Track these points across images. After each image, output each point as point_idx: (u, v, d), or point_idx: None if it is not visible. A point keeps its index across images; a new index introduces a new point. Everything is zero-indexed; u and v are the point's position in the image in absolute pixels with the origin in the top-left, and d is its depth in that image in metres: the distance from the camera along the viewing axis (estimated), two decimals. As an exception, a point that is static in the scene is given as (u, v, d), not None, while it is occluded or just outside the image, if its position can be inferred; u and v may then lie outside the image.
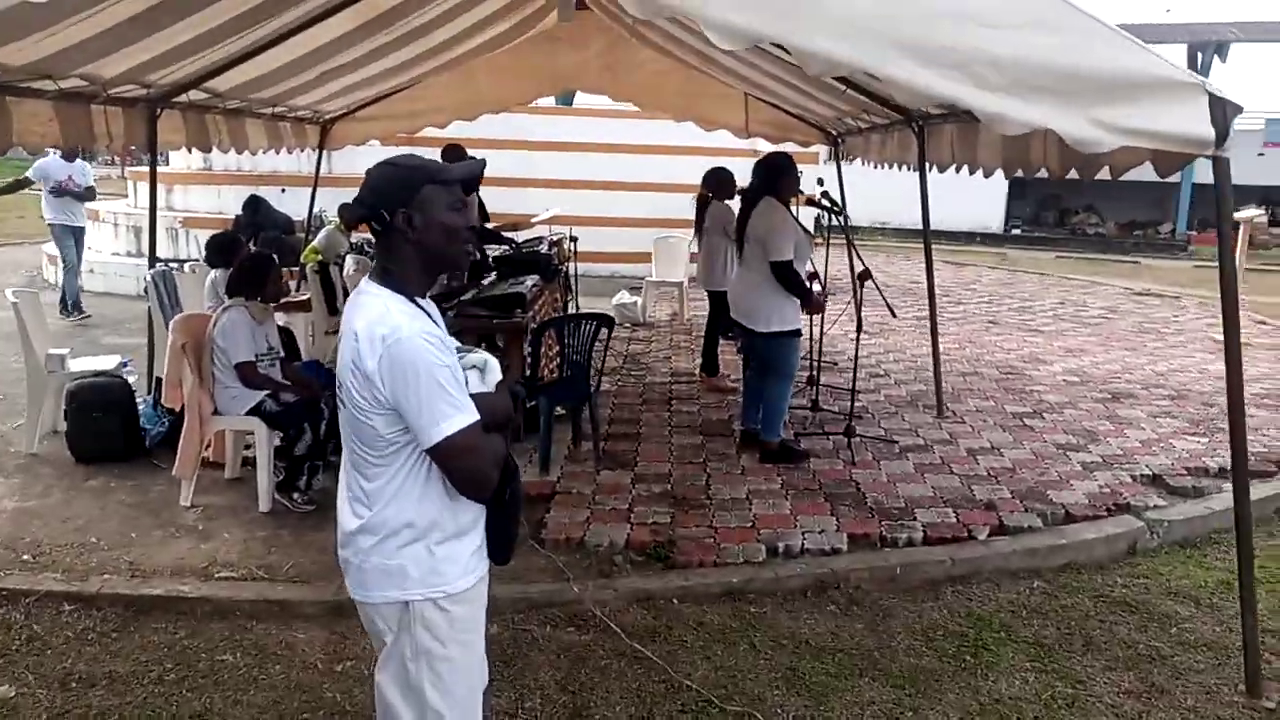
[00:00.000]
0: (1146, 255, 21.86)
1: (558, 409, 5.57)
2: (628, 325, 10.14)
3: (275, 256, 5.00)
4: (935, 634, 3.89)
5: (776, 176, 5.56)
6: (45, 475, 5.31)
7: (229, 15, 4.97)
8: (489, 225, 8.78)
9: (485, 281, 6.81)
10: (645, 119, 12.94)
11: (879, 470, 5.60)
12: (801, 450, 5.75)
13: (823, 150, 13.43)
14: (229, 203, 11.96)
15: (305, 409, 4.78)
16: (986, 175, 5.52)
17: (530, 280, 6.50)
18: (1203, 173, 4.29)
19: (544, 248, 8.14)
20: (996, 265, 18.20)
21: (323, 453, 4.87)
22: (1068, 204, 26.48)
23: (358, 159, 13.21)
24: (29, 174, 10.14)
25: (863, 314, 5.92)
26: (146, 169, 14.65)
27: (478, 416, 2.12)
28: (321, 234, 9.04)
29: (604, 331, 5.42)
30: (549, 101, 13.47)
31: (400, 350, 2.05)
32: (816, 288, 6.55)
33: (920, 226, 7.30)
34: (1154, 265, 19.87)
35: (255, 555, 4.35)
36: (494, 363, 2.35)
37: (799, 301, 5.54)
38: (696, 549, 4.44)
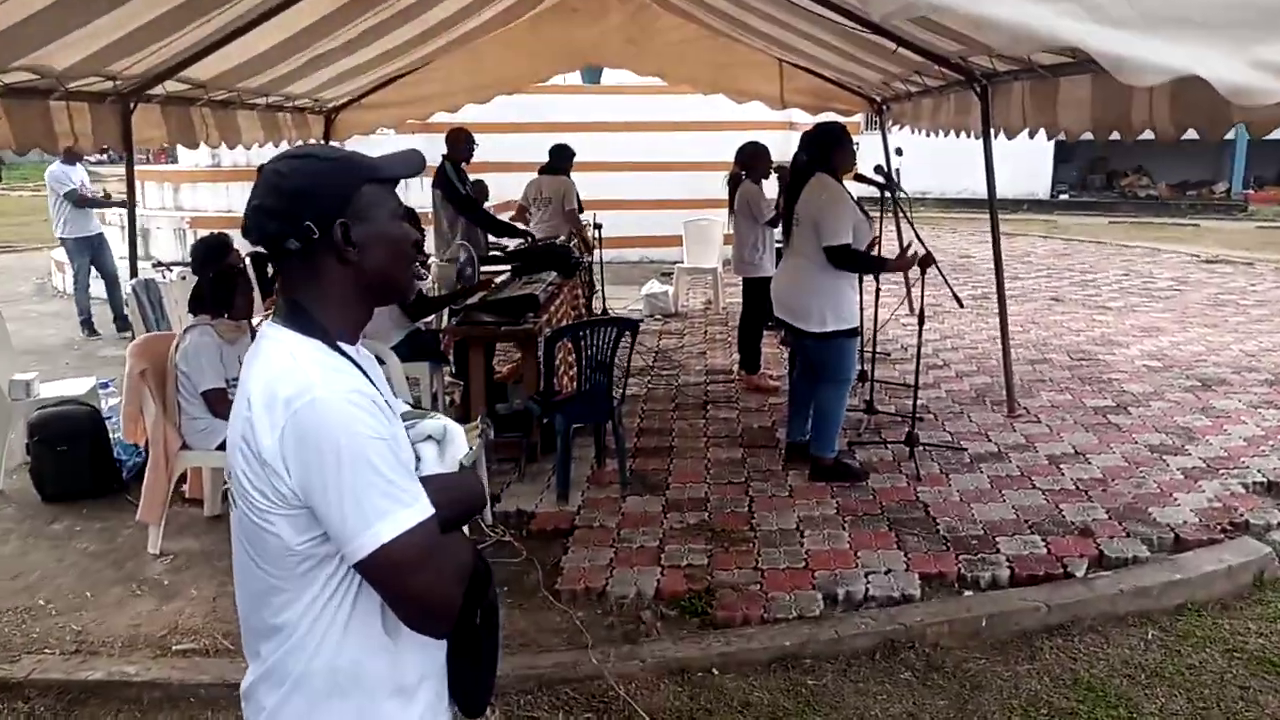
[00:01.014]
0: (1203, 217, 20.66)
1: (577, 426, 4.90)
2: (658, 317, 9.43)
3: (244, 271, 4.36)
4: (1038, 712, 3.17)
5: (830, 148, 4.79)
6: (6, 517, 4.74)
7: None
8: (500, 215, 8.11)
9: (498, 281, 6.14)
10: (674, 94, 12.18)
11: (949, 487, 4.85)
12: (858, 467, 5.02)
13: (863, 120, 12.67)
14: (238, 200, 11.37)
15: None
16: (1070, 139, 4.73)
17: (546, 278, 5.81)
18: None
19: (563, 238, 7.43)
20: (1048, 234, 17.19)
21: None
22: (1115, 166, 25.25)
23: (374, 151, 12.60)
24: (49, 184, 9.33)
25: (918, 300, 5.16)
26: (155, 168, 14.24)
27: (431, 511, 1.44)
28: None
29: (627, 337, 4.72)
30: (569, 79, 12.74)
31: (312, 418, 1.37)
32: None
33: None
34: (1214, 228, 18.73)
35: (223, 618, 3.72)
36: (456, 431, 1.67)
37: (856, 295, 4.82)
38: (740, 600, 3.74)
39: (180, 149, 12.25)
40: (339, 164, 1.55)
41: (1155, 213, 21.52)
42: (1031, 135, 5.32)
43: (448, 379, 6.00)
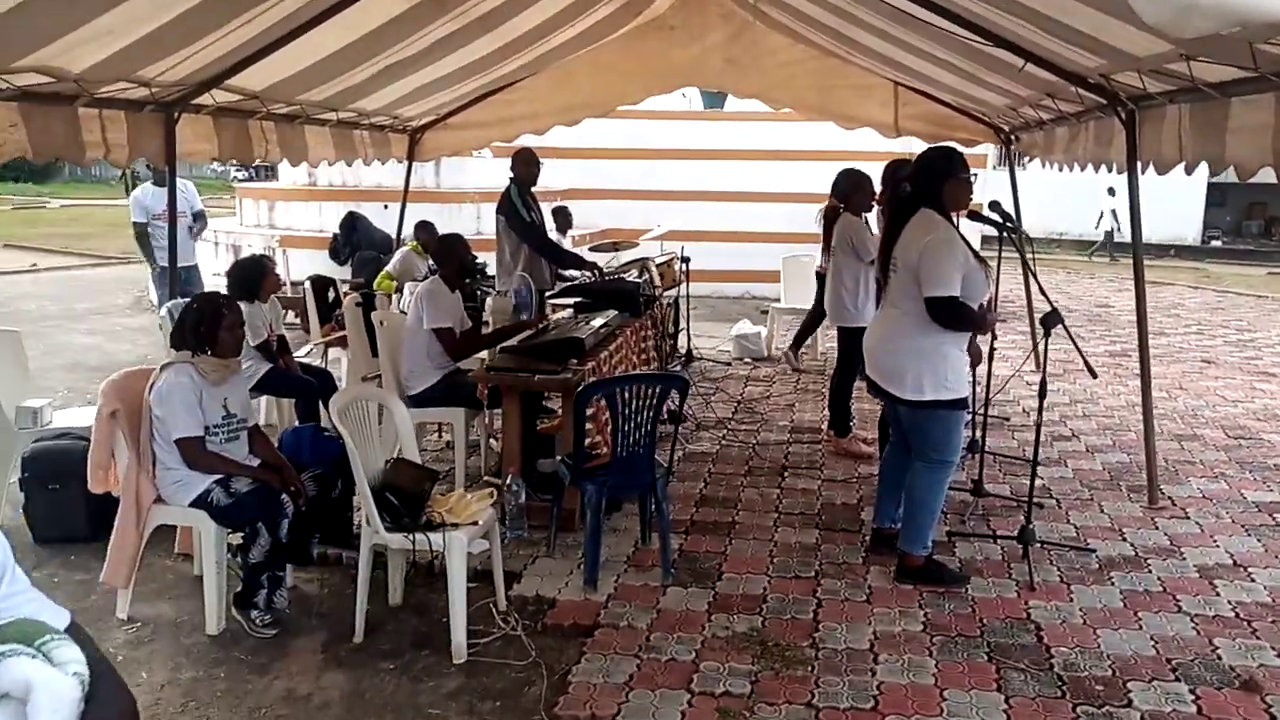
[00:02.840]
0: (1378, 270, 18.57)
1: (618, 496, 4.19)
2: (748, 360, 8.63)
3: (233, 300, 3.82)
4: None
5: (940, 179, 3.94)
6: (-10, 560, 4.31)
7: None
8: (573, 248, 7.51)
9: (555, 319, 5.50)
10: (780, 120, 11.44)
11: (1070, 602, 3.91)
12: (956, 570, 4.13)
13: (992, 152, 11.62)
14: (330, 220, 11.19)
15: (261, 502, 3.56)
16: (1243, 176, 3.75)
17: (602, 319, 5.12)
18: None
19: (635, 274, 6.75)
20: (1198, 284, 15.60)
21: (284, 561, 3.65)
22: (1275, 211, 23.12)
23: (468, 171, 12.32)
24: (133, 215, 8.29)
25: (1045, 365, 4.24)
26: (255, 185, 14.27)
27: None
28: (396, 257, 7.97)
29: (674, 395, 3.99)
30: (667, 103, 12.15)
31: None
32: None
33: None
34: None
35: (167, 714, 3.14)
36: (54, 690, 0.99)
37: (964, 359, 3.97)
38: (784, 751, 2.94)
39: (284, 166, 12.29)
40: None
41: (1323, 263, 19.56)
42: (1189, 170, 4.35)
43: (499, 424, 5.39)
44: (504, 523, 4.41)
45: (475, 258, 5.48)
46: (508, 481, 4.35)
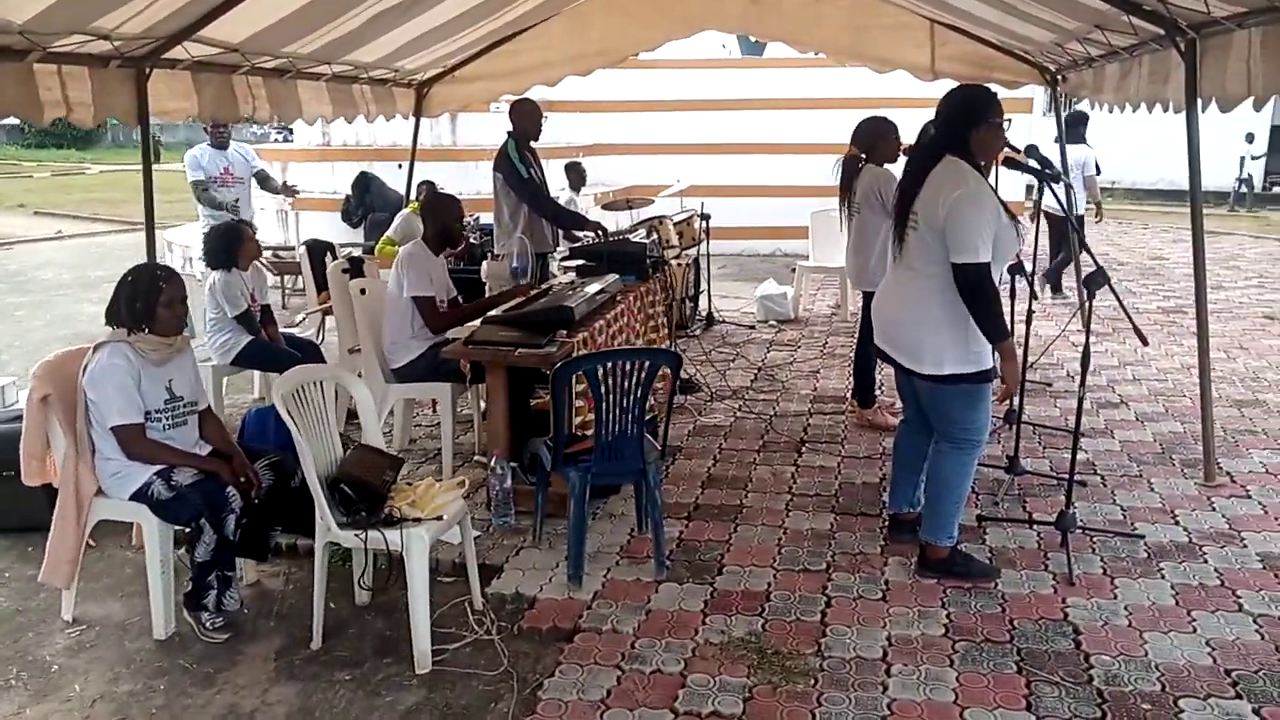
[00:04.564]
0: None
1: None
2: (773, 323, 8.17)
3: (172, 270, 3.46)
4: None
5: (970, 123, 3.42)
6: (-55, 550, 4.07)
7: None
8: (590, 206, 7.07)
9: (556, 282, 5.10)
10: (811, 66, 10.86)
11: (1114, 600, 3.46)
12: (986, 563, 3.70)
13: (1039, 93, 10.89)
14: (344, 181, 10.83)
15: (205, 495, 3.23)
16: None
17: (598, 285, 4.70)
18: None
19: (642, 234, 6.30)
20: (1260, 233, 14.71)
21: (232, 559, 3.33)
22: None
23: (485, 128, 11.85)
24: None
25: (1089, 330, 3.73)
26: (269, 147, 13.92)
27: None
28: (398, 219, 7.60)
29: (665, 372, 3.58)
30: (702, 52, 11.60)
31: None
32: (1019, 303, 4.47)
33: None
34: None
35: (91, 734, 2.85)
36: None
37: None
38: (775, 786, 2.56)
39: (300, 126, 11.92)
40: None
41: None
42: (1258, 106, 3.81)
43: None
44: (490, 509, 4.07)
45: (464, 224, 5.08)
46: (492, 464, 3.99)
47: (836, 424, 5.49)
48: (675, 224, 7.73)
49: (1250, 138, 17.11)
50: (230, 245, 5.15)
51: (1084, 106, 7.89)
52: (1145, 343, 3.72)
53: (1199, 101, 4.34)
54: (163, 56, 5.02)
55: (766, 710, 2.83)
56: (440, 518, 3.20)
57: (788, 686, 2.94)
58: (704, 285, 8.22)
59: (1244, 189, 18.17)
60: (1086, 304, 3.72)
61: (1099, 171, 8.92)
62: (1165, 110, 4.93)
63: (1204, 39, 4.22)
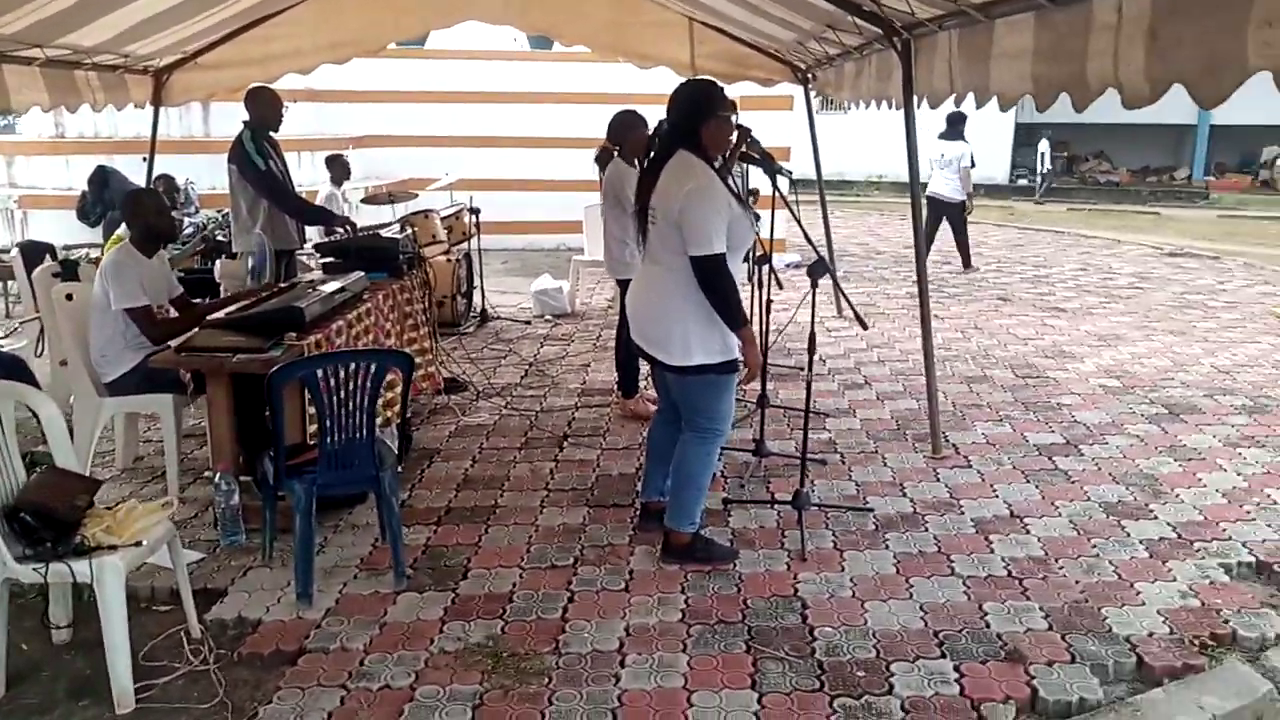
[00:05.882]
0: (1164, 204, 19.87)
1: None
2: (548, 318, 8.13)
3: None
4: None
5: (698, 117, 3.47)
6: None
7: None
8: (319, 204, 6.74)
9: (301, 283, 4.82)
10: (585, 61, 10.87)
11: (841, 572, 3.63)
12: (726, 545, 3.79)
13: (799, 92, 11.39)
14: (80, 176, 9.89)
15: None
16: (1004, 105, 3.49)
17: (338, 283, 4.48)
18: (1221, 113, 2.37)
19: (396, 230, 6.10)
20: (1003, 222, 16.11)
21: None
22: (1076, 150, 24.33)
23: (241, 118, 11.11)
24: None
25: (815, 316, 3.92)
26: (4, 138, 12.57)
27: None
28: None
29: (396, 375, 3.44)
30: (485, 43, 11.39)
31: None
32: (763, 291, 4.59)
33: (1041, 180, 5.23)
34: (1175, 216, 17.88)
35: None
36: None
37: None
38: (495, 795, 2.49)
39: (28, 116, 10.76)
40: None
41: (1115, 199, 20.77)
42: (958, 102, 4.10)
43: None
44: (218, 528, 3.80)
45: (171, 220, 4.70)
46: (216, 480, 3.72)
47: (601, 417, 5.51)
48: (443, 219, 7.55)
49: (1048, 135, 19.22)
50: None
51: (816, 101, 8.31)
52: (865, 327, 3.93)
53: (914, 99, 4.64)
54: None
55: (495, 716, 2.76)
56: (140, 543, 2.93)
57: (520, 689, 2.89)
58: (477, 281, 8.07)
59: (1043, 182, 20.29)
60: (811, 292, 3.89)
61: (974, 165, 9.99)
62: (890, 107, 5.24)
63: (916, 40, 4.50)
